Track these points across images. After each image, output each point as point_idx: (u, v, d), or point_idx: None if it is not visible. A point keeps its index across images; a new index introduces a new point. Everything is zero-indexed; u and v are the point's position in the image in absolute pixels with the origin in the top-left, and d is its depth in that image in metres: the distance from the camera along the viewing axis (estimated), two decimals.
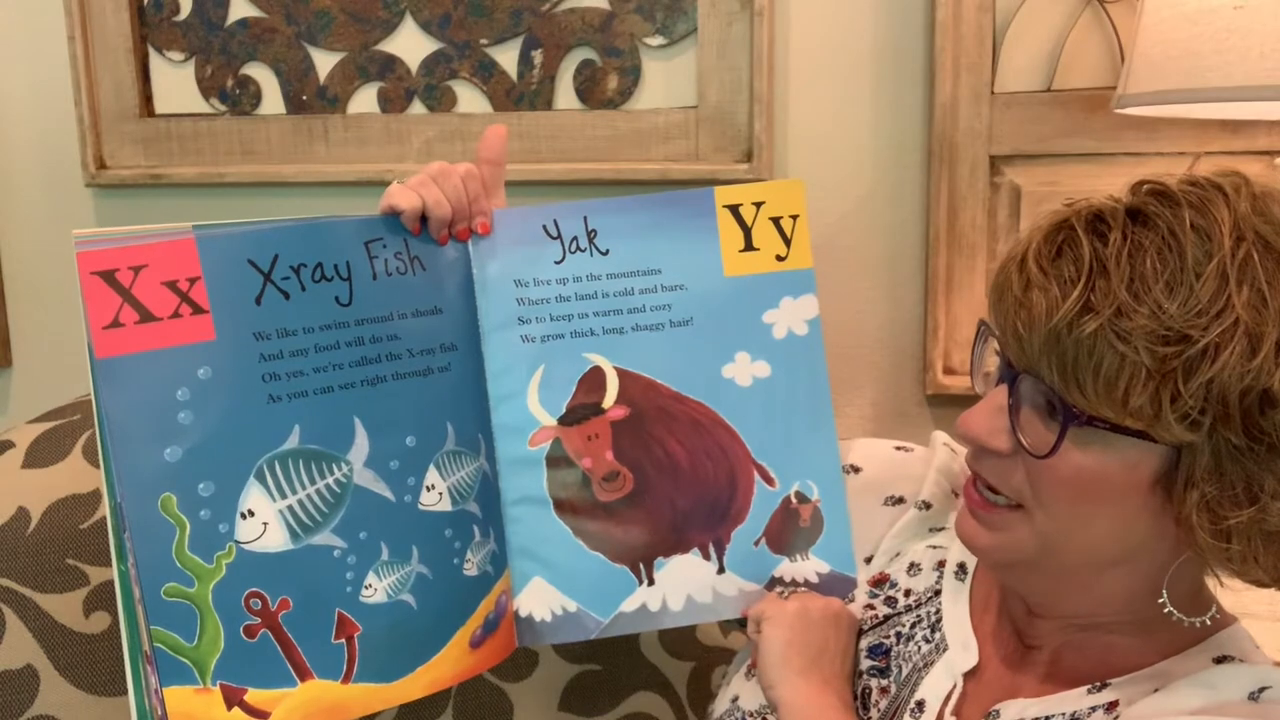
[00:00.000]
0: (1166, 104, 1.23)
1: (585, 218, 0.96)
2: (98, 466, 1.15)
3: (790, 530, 0.97)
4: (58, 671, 1.12)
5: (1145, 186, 0.75)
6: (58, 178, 1.71)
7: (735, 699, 0.94)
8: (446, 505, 0.90)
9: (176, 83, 1.66)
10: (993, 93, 1.46)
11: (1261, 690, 0.75)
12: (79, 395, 1.27)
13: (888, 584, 0.95)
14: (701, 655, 1.27)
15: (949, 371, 1.53)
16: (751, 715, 0.91)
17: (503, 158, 0.97)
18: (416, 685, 0.89)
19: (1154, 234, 0.72)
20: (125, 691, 0.83)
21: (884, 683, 0.89)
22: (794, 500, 0.97)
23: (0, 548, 1.12)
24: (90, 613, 1.13)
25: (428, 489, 0.89)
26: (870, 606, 0.95)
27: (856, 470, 1.00)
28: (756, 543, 0.97)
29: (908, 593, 0.94)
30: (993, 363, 0.81)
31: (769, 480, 0.97)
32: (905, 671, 0.89)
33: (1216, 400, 0.69)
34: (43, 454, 1.18)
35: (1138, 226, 0.73)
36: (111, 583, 0.82)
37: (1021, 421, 0.77)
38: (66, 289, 1.72)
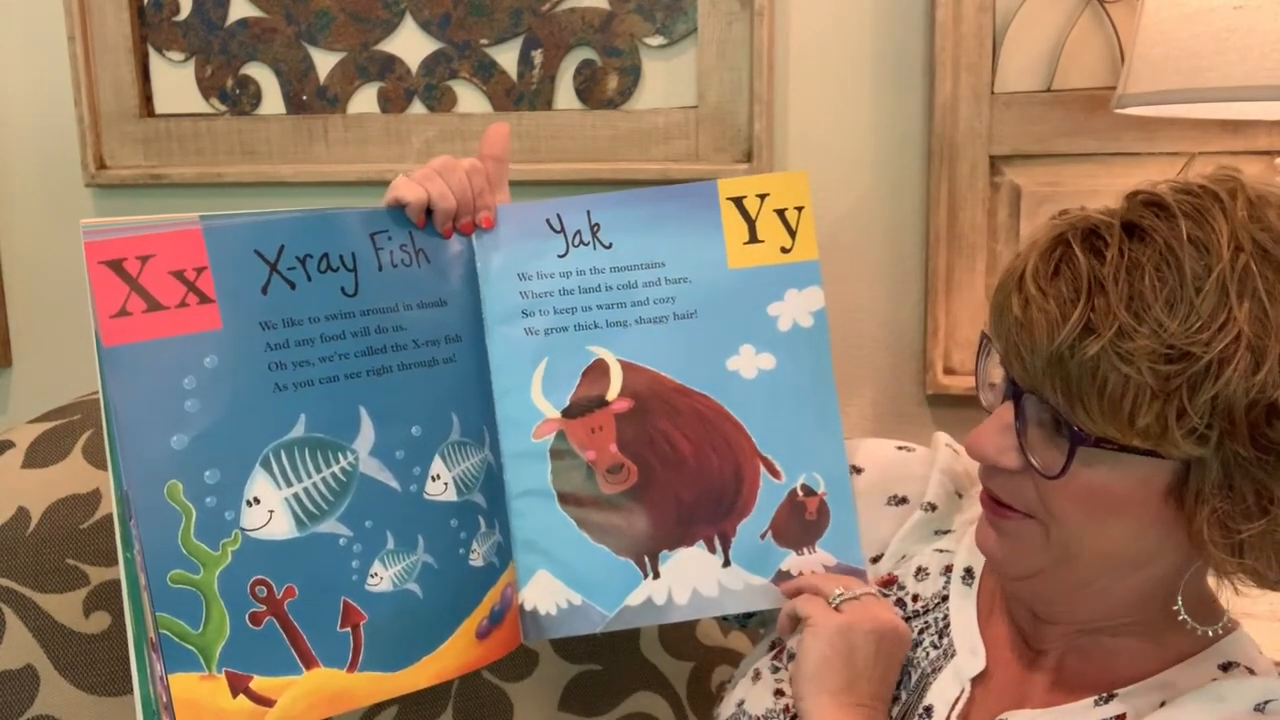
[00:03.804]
0: (1166, 104, 1.23)
1: (589, 211, 0.96)
2: (98, 467, 1.15)
3: (797, 523, 0.97)
4: (58, 671, 1.11)
5: (1140, 197, 0.74)
6: (58, 178, 1.71)
7: (741, 703, 0.94)
8: (452, 495, 0.90)
9: (176, 83, 1.66)
10: (993, 93, 1.46)
11: (1267, 703, 0.75)
12: (79, 395, 1.26)
13: (896, 586, 0.95)
14: (701, 655, 1.27)
15: (949, 371, 1.52)
16: None
17: (506, 153, 0.97)
18: (422, 675, 0.88)
19: (1151, 249, 0.71)
20: (126, 691, 0.82)
21: (896, 691, 0.89)
22: (800, 493, 0.97)
23: (0, 548, 1.11)
24: (90, 613, 1.13)
25: (433, 479, 0.89)
26: None
27: (858, 471, 1.00)
28: (763, 536, 0.97)
29: (915, 598, 0.93)
30: (997, 374, 0.80)
31: (775, 473, 0.97)
32: (914, 678, 0.88)
33: (1223, 415, 0.69)
34: (43, 454, 1.17)
35: (1134, 242, 0.72)
36: (111, 583, 0.82)
37: (1030, 440, 0.77)
38: (67, 289, 1.72)
